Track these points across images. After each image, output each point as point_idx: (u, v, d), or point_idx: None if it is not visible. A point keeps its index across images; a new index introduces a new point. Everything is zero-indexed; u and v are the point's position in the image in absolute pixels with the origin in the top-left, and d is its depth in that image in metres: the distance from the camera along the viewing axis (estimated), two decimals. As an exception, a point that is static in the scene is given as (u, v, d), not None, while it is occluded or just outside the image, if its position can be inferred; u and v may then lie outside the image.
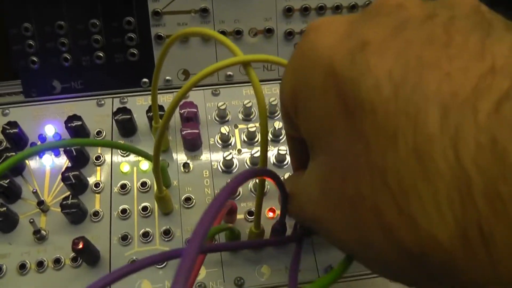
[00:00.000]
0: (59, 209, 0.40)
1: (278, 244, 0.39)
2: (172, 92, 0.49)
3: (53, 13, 0.47)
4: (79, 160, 0.44)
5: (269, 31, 0.48)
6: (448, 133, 0.15)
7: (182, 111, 0.44)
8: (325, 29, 0.21)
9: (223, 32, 0.48)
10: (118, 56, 0.48)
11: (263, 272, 0.39)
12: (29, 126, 0.46)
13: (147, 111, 0.45)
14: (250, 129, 0.44)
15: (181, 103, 0.45)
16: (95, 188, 0.43)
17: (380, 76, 0.17)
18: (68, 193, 0.41)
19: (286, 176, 0.43)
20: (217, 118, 0.47)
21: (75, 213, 0.40)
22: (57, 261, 0.39)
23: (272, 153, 0.44)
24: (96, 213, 0.41)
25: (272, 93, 0.49)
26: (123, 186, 0.43)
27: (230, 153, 0.42)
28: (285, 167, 0.44)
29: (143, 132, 0.46)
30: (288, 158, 0.44)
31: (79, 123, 0.44)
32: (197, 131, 0.43)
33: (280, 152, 0.43)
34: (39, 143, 0.46)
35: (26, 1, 0.46)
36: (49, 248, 0.40)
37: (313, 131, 0.22)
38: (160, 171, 0.34)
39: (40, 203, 0.42)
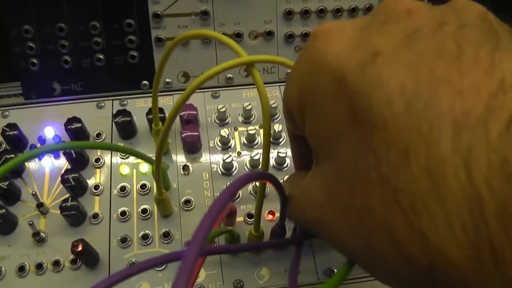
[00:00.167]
0: (59, 211, 0.40)
1: (277, 246, 0.39)
2: (172, 94, 0.49)
3: (53, 15, 0.47)
4: (79, 162, 0.44)
5: (269, 34, 0.49)
6: (460, 152, 0.15)
7: (182, 113, 0.44)
8: (334, 35, 0.20)
9: (223, 35, 0.48)
10: (118, 58, 0.48)
11: (263, 275, 0.39)
12: (28, 128, 0.46)
13: (147, 114, 0.45)
14: (250, 132, 0.44)
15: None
16: (94, 190, 0.43)
17: (391, 91, 0.17)
18: (68, 195, 0.41)
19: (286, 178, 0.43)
20: (217, 121, 0.47)
21: (74, 215, 0.40)
22: (56, 263, 0.39)
23: (272, 156, 0.44)
24: (95, 215, 0.41)
25: (272, 95, 0.49)
26: (123, 189, 0.43)
27: (230, 156, 0.42)
28: (285, 169, 0.44)
29: (143, 134, 0.46)
30: (288, 160, 0.44)
31: (79, 125, 0.44)
32: (197, 133, 0.43)
33: (280, 154, 0.43)
34: (38, 145, 0.46)
35: (27, 3, 0.46)
36: (48, 250, 0.40)
37: (320, 137, 0.22)
38: (160, 174, 0.34)
39: (40, 205, 0.42)
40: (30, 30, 0.47)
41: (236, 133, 0.46)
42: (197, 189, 0.43)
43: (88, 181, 0.43)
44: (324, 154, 0.21)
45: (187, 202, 0.42)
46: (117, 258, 0.39)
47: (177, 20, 0.47)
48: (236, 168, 0.44)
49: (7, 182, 0.41)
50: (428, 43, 0.17)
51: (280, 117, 0.47)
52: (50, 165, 0.45)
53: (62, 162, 0.45)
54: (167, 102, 0.48)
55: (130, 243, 0.40)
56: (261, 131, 0.46)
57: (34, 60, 0.48)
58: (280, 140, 0.45)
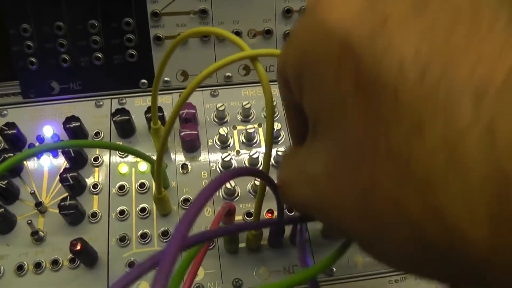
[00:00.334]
0: (57, 210, 0.40)
1: (280, 224, 0.38)
2: (171, 93, 0.49)
3: (52, 13, 0.47)
4: (77, 161, 0.44)
5: (268, 32, 0.48)
6: (482, 121, 0.14)
7: (181, 112, 0.44)
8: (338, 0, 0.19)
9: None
10: (117, 57, 0.48)
11: (261, 274, 0.39)
12: (27, 127, 0.46)
13: (146, 112, 0.45)
14: (248, 130, 0.44)
15: (179, 104, 0.45)
16: (93, 189, 0.43)
17: (404, 57, 0.15)
18: (66, 194, 0.41)
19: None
20: (216, 119, 0.47)
21: (73, 214, 0.40)
22: (55, 262, 0.39)
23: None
24: (94, 214, 0.41)
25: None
26: (121, 187, 0.42)
27: (229, 154, 0.42)
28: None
29: (141, 133, 0.46)
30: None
31: (78, 124, 0.44)
32: (195, 132, 0.43)
33: (278, 153, 0.43)
34: (37, 144, 0.46)
35: (25, 1, 0.46)
36: (47, 249, 0.40)
37: (319, 108, 0.20)
38: (161, 173, 0.33)
39: (38, 204, 0.41)
40: (29, 29, 0.47)
41: (235, 132, 0.46)
42: (196, 188, 0.43)
43: (86, 180, 0.43)
44: (324, 127, 0.20)
45: (186, 200, 0.42)
46: (116, 257, 0.39)
47: (175, 19, 0.47)
48: (235, 166, 0.44)
49: (6, 181, 0.41)
50: (442, 7, 0.16)
51: (279, 115, 0.47)
52: (49, 164, 0.45)
53: (61, 161, 0.45)
54: (166, 101, 0.48)
55: (129, 242, 0.40)
56: (260, 129, 0.46)
57: (33, 59, 0.48)
58: (279, 138, 0.45)
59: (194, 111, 0.44)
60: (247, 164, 0.44)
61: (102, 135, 0.46)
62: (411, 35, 0.16)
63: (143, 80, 0.49)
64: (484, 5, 0.16)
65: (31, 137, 0.46)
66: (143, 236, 0.40)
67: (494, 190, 0.14)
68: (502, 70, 0.14)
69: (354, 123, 0.17)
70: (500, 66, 0.14)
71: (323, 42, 0.18)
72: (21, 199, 0.43)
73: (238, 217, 0.41)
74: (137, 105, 0.48)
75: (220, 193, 0.42)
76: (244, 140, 0.45)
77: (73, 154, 0.43)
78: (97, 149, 0.45)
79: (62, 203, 0.40)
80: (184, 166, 0.44)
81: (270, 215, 0.41)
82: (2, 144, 0.46)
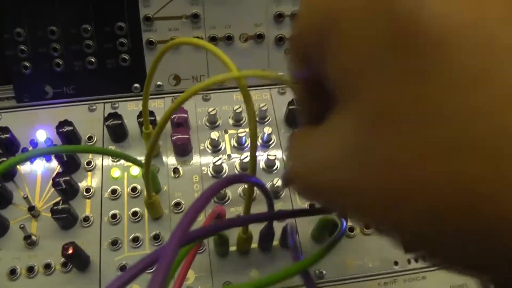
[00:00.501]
0: (50, 215, 0.40)
1: (292, 216, 0.38)
2: (163, 97, 0.49)
3: (45, 18, 0.47)
4: (70, 165, 0.44)
5: (259, 37, 0.49)
6: None
7: (173, 116, 0.44)
8: None
9: (213, 38, 0.48)
10: (110, 62, 0.49)
11: (252, 277, 0.39)
12: (20, 131, 0.46)
13: (138, 117, 0.45)
14: (239, 135, 0.44)
15: (171, 108, 0.46)
16: (86, 193, 0.43)
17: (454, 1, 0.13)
18: (59, 198, 0.42)
19: (276, 180, 0.43)
20: (208, 124, 0.47)
21: (65, 218, 0.40)
22: (47, 266, 0.39)
23: (262, 158, 0.45)
24: (86, 218, 0.42)
25: (262, 98, 0.49)
26: (114, 191, 0.43)
27: (220, 158, 0.43)
28: (274, 172, 0.44)
29: (133, 137, 0.46)
30: (277, 163, 0.44)
31: (70, 128, 0.44)
32: (187, 136, 0.43)
33: (269, 157, 0.43)
34: (30, 148, 0.46)
35: (19, 6, 0.46)
36: (40, 254, 0.40)
37: (347, 71, 0.17)
38: (150, 177, 0.34)
39: (31, 208, 0.42)
40: (22, 33, 0.47)
41: (226, 136, 0.46)
42: (187, 192, 0.43)
43: (79, 184, 0.44)
44: (350, 94, 0.17)
45: (177, 204, 0.42)
46: (108, 261, 0.40)
47: (168, 23, 0.48)
48: (226, 170, 0.44)
49: (-1, 186, 0.41)
50: None
51: (270, 120, 0.48)
52: (42, 168, 0.45)
53: (54, 165, 0.45)
54: (158, 105, 0.48)
55: (120, 245, 0.40)
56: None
57: (26, 63, 0.48)
58: (270, 143, 0.46)
59: (186, 115, 0.44)
60: (238, 168, 0.44)
61: (95, 139, 0.47)
62: None
63: (136, 85, 0.49)
64: None
65: (25, 141, 0.46)
66: (135, 239, 0.40)
67: None
68: None
69: (389, 82, 0.15)
70: None
71: None
72: (14, 203, 0.43)
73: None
74: (130, 109, 0.48)
75: (211, 197, 0.42)
76: (235, 144, 0.46)
77: (65, 159, 0.43)
78: (90, 154, 0.45)
79: (55, 207, 0.40)
80: (175, 170, 0.44)
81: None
82: (-4, 149, 0.46)
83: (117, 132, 0.45)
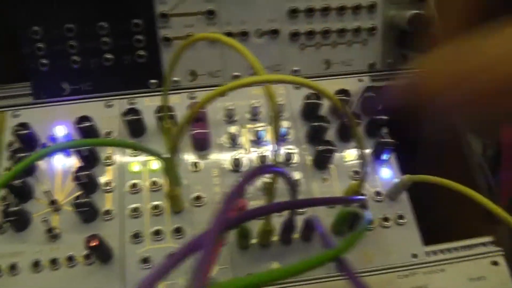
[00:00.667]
0: (71, 208, 0.41)
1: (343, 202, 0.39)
2: (180, 93, 0.50)
3: (62, 16, 0.47)
4: (90, 160, 0.45)
5: (274, 32, 0.49)
6: None
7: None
8: None
9: (229, 34, 0.49)
10: (126, 58, 0.49)
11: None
12: (39, 128, 0.47)
13: (156, 112, 0.46)
14: (258, 129, 0.45)
15: (189, 103, 0.46)
16: (106, 188, 0.44)
17: None
18: (80, 192, 0.42)
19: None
20: (225, 118, 0.47)
21: (87, 211, 0.41)
22: (70, 258, 0.40)
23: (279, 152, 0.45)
24: (107, 212, 0.42)
25: (277, 93, 0.50)
26: (134, 185, 0.43)
27: (239, 153, 0.43)
28: (292, 166, 0.45)
29: (151, 132, 0.47)
30: (295, 157, 0.45)
31: (89, 123, 0.45)
32: (206, 131, 0.44)
33: (287, 151, 0.44)
34: (49, 144, 0.47)
35: (35, 4, 0.47)
36: (62, 247, 0.41)
37: None
38: (175, 170, 0.34)
39: (53, 202, 0.42)
40: (39, 31, 0.48)
41: (244, 130, 0.47)
42: (207, 186, 0.43)
43: (99, 178, 0.44)
44: None
45: (198, 198, 0.43)
46: (130, 254, 0.40)
47: (183, 20, 0.48)
48: (245, 164, 0.44)
49: (21, 180, 0.42)
50: None
51: (286, 114, 0.48)
52: (62, 163, 0.46)
53: (73, 160, 0.46)
54: (175, 101, 0.49)
55: (142, 238, 0.41)
56: (269, 128, 0.47)
57: (44, 61, 0.48)
58: (287, 137, 0.46)
59: (204, 110, 0.45)
60: (257, 162, 0.45)
61: (113, 134, 0.47)
62: None
63: (152, 80, 0.50)
64: None
65: (44, 137, 0.47)
66: (157, 233, 0.41)
67: None
68: None
69: None
70: None
71: None
72: (36, 198, 0.44)
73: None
74: (147, 105, 0.49)
75: (231, 190, 0.43)
76: (253, 138, 0.46)
77: (86, 153, 0.44)
78: (109, 148, 0.46)
79: (77, 201, 0.40)
80: (195, 164, 0.45)
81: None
82: (16, 144, 0.46)
83: (136, 127, 0.46)
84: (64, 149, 0.44)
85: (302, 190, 0.44)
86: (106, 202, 0.43)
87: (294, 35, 0.50)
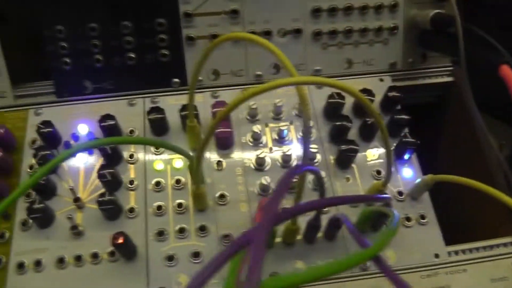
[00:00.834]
0: (95, 206, 0.41)
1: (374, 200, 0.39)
2: (203, 91, 0.50)
3: (85, 15, 0.48)
4: (113, 158, 0.45)
5: (297, 32, 0.49)
6: None
7: (214, 110, 0.45)
8: None
9: (253, 33, 0.49)
10: (149, 57, 0.49)
11: (298, 268, 0.39)
12: (61, 125, 0.47)
13: (180, 111, 0.46)
14: (281, 128, 0.45)
15: (213, 102, 0.46)
16: (129, 186, 0.44)
17: None
18: (103, 190, 0.42)
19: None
20: (248, 117, 0.47)
21: (111, 209, 0.41)
22: (94, 255, 0.40)
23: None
24: (131, 210, 0.42)
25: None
26: (158, 184, 0.44)
27: (263, 151, 0.43)
28: (315, 164, 0.45)
29: (175, 131, 0.47)
30: (318, 156, 0.45)
31: (113, 122, 0.45)
32: (230, 130, 0.44)
33: (312, 150, 0.43)
34: (72, 142, 0.47)
35: (59, 3, 0.47)
36: (86, 244, 0.41)
37: None
38: (201, 169, 0.34)
39: (76, 199, 0.43)
40: (63, 30, 0.48)
41: (267, 129, 0.47)
42: (231, 184, 0.43)
43: (122, 176, 0.44)
44: None
45: (222, 196, 0.43)
46: (154, 251, 0.40)
47: (207, 19, 0.48)
48: (268, 163, 0.44)
49: (44, 178, 0.42)
50: None
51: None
52: (85, 161, 0.46)
53: (96, 158, 0.46)
54: (198, 99, 0.49)
55: (167, 236, 0.41)
56: (292, 127, 0.47)
57: (67, 60, 0.49)
58: (310, 136, 0.46)
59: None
60: (280, 161, 0.44)
61: (136, 133, 0.47)
62: None
63: (175, 79, 0.50)
64: None
65: (66, 135, 0.47)
66: (181, 230, 0.41)
67: None
68: None
69: None
70: None
71: None
72: (59, 195, 0.44)
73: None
74: (170, 104, 0.49)
75: (256, 189, 0.43)
76: (276, 137, 0.46)
77: (109, 151, 0.44)
78: (132, 147, 0.46)
79: (101, 199, 0.41)
80: (218, 163, 0.45)
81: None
82: (39, 142, 0.47)
83: (160, 126, 0.46)
84: (94, 147, 0.44)
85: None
86: (130, 200, 0.43)
87: (317, 35, 0.50)
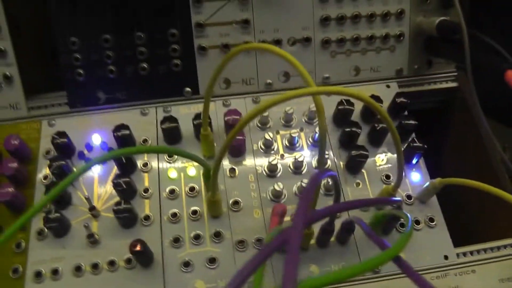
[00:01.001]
0: (110, 214, 0.42)
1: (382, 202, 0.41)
2: (214, 100, 0.50)
3: (99, 27, 0.49)
4: (128, 167, 0.45)
5: (307, 40, 0.50)
6: None
7: (227, 118, 0.45)
8: None
9: (263, 42, 0.50)
10: (162, 67, 0.50)
11: (312, 271, 0.40)
12: (75, 136, 0.48)
13: (193, 119, 0.46)
14: (292, 135, 0.46)
15: (225, 111, 0.47)
16: (144, 194, 0.44)
17: None
18: (118, 198, 0.43)
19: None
20: (259, 125, 0.48)
21: (127, 217, 0.42)
22: (111, 263, 0.41)
23: (313, 157, 0.46)
24: (146, 217, 0.43)
25: (310, 99, 0.50)
26: (172, 191, 0.44)
27: (275, 158, 0.44)
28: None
29: (187, 139, 0.48)
30: (328, 162, 0.46)
31: (127, 132, 0.46)
32: (242, 137, 0.44)
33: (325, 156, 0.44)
34: (86, 152, 0.48)
35: (73, 15, 0.48)
36: (103, 252, 0.42)
37: None
38: (217, 177, 0.35)
39: (92, 208, 0.43)
40: (76, 42, 0.49)
41: (278, 136, 0.48)
42: (244, 191, 0.44)
43: (136, 185, 0.45)
44: None
45: (236, 203, 0.43)
46: (170, 257, 0.41)
47: (219, 29, 0.49)
48: (280, 169, 0.45)
49: (61, 187, 0.43)
50: None
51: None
52: (99, 170, 0.46)
53: (110, 167, 0.46)
54: (210, 108, 0.49)
55: (182, 243, 0.41)
56: (302, 134, 0.48)
57: (80, 71, 0.50)
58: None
59: (239, 117, 0.46)
60: (291, 167, 0.45)
61: (150, 142, 0.48)
62: None
63: (187, 89, 0.51)
64: None
65: (79, 145, 0.48)
66: (196, 237, 0.41)
67: None
68: None
69: None
70: None
71: None
72: (74, 204, 0.44)
73: (287, 218, 0.42)
74: (182, 113, 0.50)
75: (268, 195, 0.44)
76: (287, 144, 0.47)
77: (124, 160, 0.45)
78: (146, 155, 0.47)
79: (117, 207, 0.41)
80: (231, 170, 0.45)
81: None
82: (53, 152, 0.47)
83: (173, 135, 0.47)
84: (113, 158, 0.44)
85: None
86: (145, 208, 0.44)
87: (326, 43, 0.51)
